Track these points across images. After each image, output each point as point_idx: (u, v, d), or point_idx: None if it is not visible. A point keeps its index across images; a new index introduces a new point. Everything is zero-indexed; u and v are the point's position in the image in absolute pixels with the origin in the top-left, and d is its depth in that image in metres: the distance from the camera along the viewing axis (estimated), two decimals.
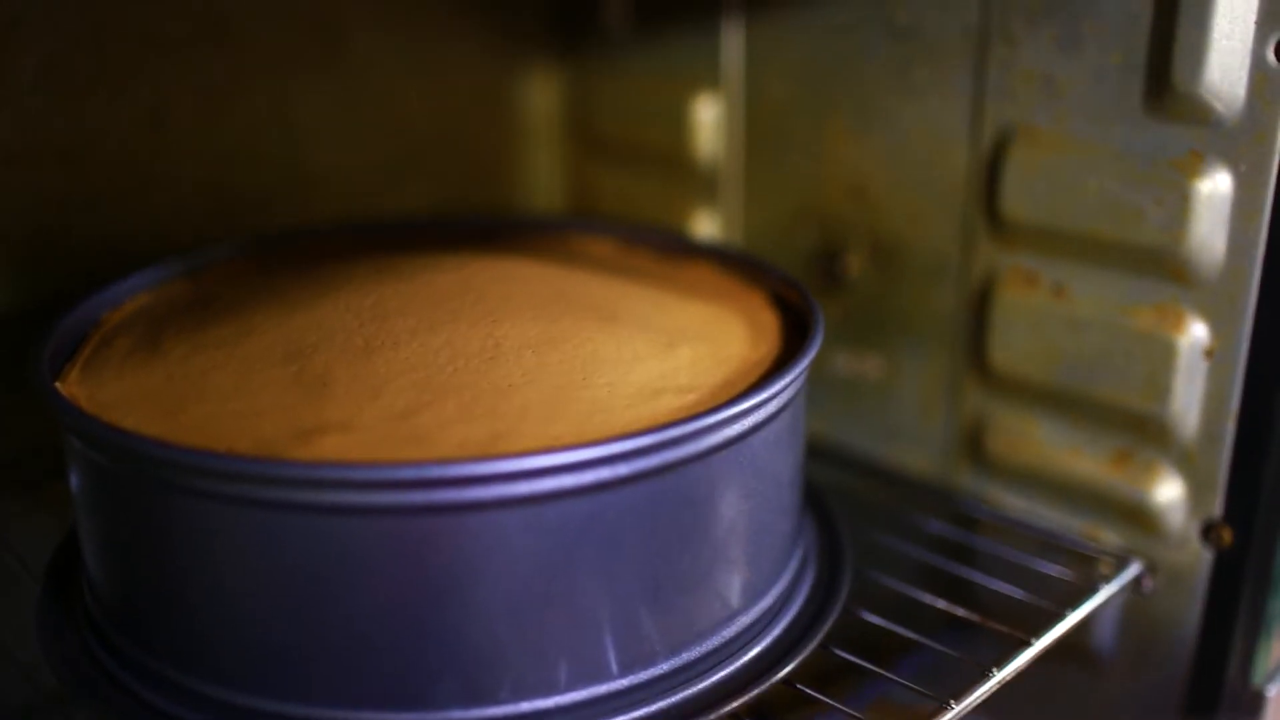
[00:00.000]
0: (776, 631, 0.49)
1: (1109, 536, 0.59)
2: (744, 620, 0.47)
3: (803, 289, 0.53)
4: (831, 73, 0.65)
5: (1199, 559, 0.57)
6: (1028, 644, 0.51)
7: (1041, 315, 0.59)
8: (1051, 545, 0.60)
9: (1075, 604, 0.54)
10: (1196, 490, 0.56)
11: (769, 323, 0.53)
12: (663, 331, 0.50)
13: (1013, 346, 0.61)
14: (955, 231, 0.62)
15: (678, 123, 0.73)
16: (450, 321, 0.49)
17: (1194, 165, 0.52)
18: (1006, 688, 0.49)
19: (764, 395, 0.44)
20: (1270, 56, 0.49)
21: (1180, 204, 0.53)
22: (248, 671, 0.42)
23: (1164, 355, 0.55)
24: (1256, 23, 0.50)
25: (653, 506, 0.42)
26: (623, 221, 0.65)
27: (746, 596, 0.47)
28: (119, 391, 0.46)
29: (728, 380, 0.47)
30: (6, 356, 0.62)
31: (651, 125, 0.75)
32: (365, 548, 0.40)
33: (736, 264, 0.59)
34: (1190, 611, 0.57)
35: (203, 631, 0.43)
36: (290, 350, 0.47)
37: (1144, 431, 0.57)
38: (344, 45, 0.71)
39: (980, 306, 0.62)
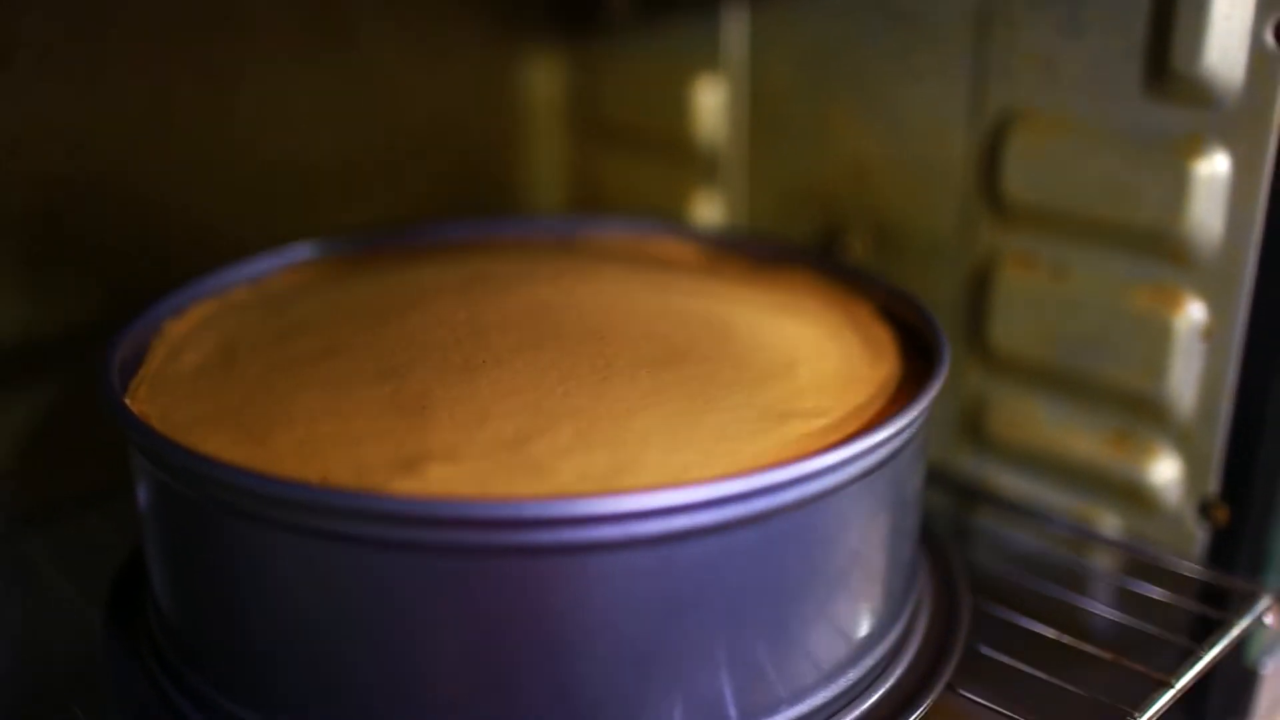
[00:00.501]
0: (900, 671, 0.46)
1: (1108, 517, 0.60)
2: (868, 661, 0.45)
3: (917, 302, 0.52)
4: (833, 56, 0.65)
5: (1195, 537, 0.57)
6: (1168, 685, 0.48)
7: (1041, 296, 0.59)
8: (1149, 566, 0.58)
9: (1211, 642, 0.51)
10: (1193, 469, 0.57)
11: (883, 338, 0.51)
12: (779, 349, 0.48)
13: (1012, 327, 0.61)
14: (955, 213, 0.62)
15: (680, 107, 0.73)
16: (554, 338, 0.46)
17: (1193, 147, 0.53)
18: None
19: (904, 422, 0.42)
20: (1269, 38, 0.50)
21: (1178, 185, 0.53)
22: (335, 717, 0.40)
23: (1162, 335, 0.56)
24: (1255, 5, 0.50)
25: (786, 543, 0.40)
26: (710, 227, 0.64)
27: (874, 633, 0.45)
28: (195, 411, 0.43)
29: (857, 404, 0.45)
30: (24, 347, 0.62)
31: (654, 110, 0.75)
32: (478, 588, 0.37)
33: (836, 271, 0.57)
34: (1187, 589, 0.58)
35: (294, 677, 0.40)
36: (383, 368, 0.44)
37: (1142, 411, 0.58)
38: (347, 31, 0.72)
39: (980, 287, 0.62)
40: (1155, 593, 0.57)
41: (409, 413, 0.41)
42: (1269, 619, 0.54)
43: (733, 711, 0.40)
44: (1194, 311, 0.55)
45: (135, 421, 0.41)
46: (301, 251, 0.59)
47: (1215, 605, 0.57)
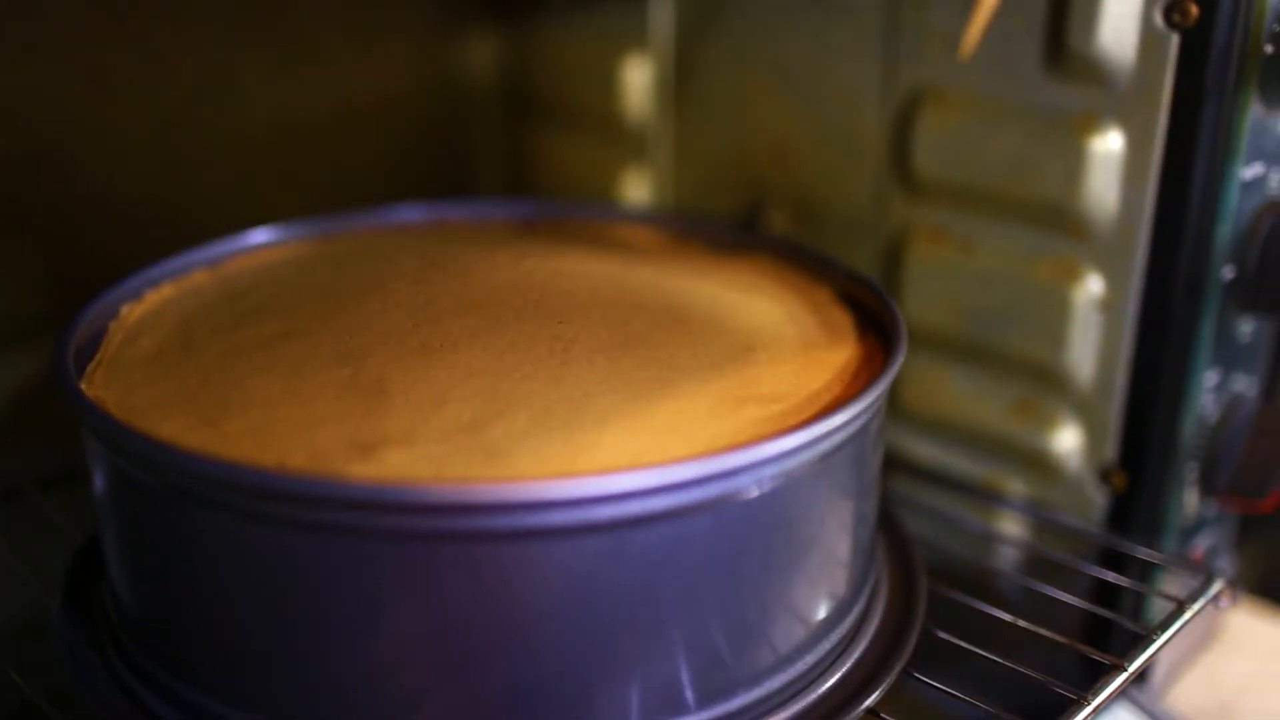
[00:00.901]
0: (856, 653, 0.47)
1: (1015, 483, 0.62)
2: (825, 645, 0.45)
3: (875, 285, 0.52)
4: (754, 36, 0.67)
5: (1095, 502, 0.60)
6: (1121, 669, 0.49)
7: (950, 269, 0.61)
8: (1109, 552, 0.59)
9: (1164, 625, 0.52)
10: (1092, 437, 0.59)
11: (841, 322, 0.52)
12: (736, 333, 0.48)
13: (924, 299, 0.63)
14: (870, 189, 0.64)
15: (609, 86, 0.75)
16: (513, 322, 0.46)
17: (1089, 124, 0.55)
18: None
19: (859, 406, 0.42)
20: (1158, 19, 0.52)
21: (1076, 161, 0.55)
22: (296, 703, 0.39)
23: (1062, 307, 0.57)
24: None
25: (742, 527, 0.40)
26: (670, 211, 0.64)
27: (832, 617, 0.45)
28: (151, 395, 0.43)
29: (814, 388, 0.45)
30: None
31: (585, 88, 0.77)
32: (433, 573, 0.37)
33: (796, 257, 0.58)
34: (1087, 553, 0.60)
35: (246, 659, 0.40)
36: (340, 352, 0.44)
37: (1044, 381, 0.60)
38: (286, 10, 0.73)
39: (894, 261, 0.64)
40: (1059, 557, 0.59)
41: (366, 396, 0.41)
42: (1224, 601, 0.56)
43: (690, 695, 0.41)
44: (1092, 284, 0.57)
45: (90, 406, 0.40)
46: (260, 235, 0.58)
47: (1116, 569, 0.59)
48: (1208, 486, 0.59)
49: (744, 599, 0.41)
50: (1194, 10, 0.51)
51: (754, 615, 0.41)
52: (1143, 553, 0.58)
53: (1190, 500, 0.59)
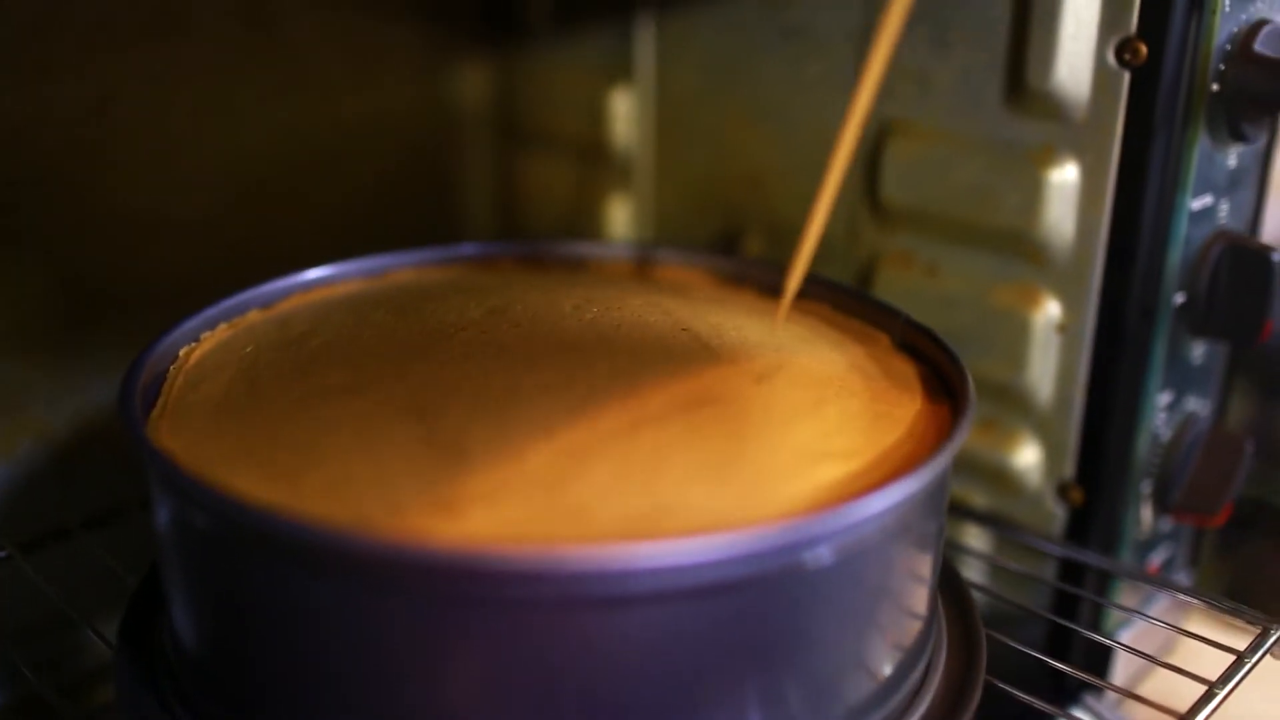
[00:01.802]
0: (924, 707, 0.46)
1: (977, 496, 0.65)
2: (897, 698, 0.45)
3: (938, 338, 0.52)
4: (732, 68, 0.70)
5: (1054, 517, 0.62)
6: None
7: (917, 292, 0.64)
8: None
9: (1224, 681, 0.51)
10: (1051, 454, 0.61)
11: (904, 372, 0.52)
12: (805, 386, 0.48)
13: None
14: (842, 216, 0.67)
15: (595, 114, 0.77)
16: (585, 376, 0.46)
17: (1046, 156, 0.58)
18: None
19: (940, 464, 0.41)
20: (1110, 58, 0.55)
21: (1034, 191, 0.58)
22: None
23: (1021, 330, 0.60)
24: (1099, 26, 0.55)
25: (825, 585, 0.40)
26: (724, 254, 0.65)
27: (902, 670, 0.45)
28: (221, 447, 0.42)
29: (887, 443, 0.45)
30: None
31: (571, 116, 0.80)
32: (512, 636, 0.37)
33: (852, 302, 0.58)
34: (1047, 566, 0.63)
35: (318, 715, 0.40)
36: (413, 405, 0.44)
37: (1006, 401, 0.62)
38: (285, 38, 0.74)
39: (865, 283, 0.67)
40: (1023, 569, 0.61)
41: (442, 452, 0.41)
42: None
43: None
44: (1050, 308, 0.59)
45: (166, 462, 0.40)
46: (312, 274, 0.58)
47: (1073, 581, 0.62)
48: (1162, 502, 0.62)
49: (822, 657, 0.41)
50: (1144, 50, 0.54)
51: (832, 672, 0.41)
52: (1100, 564, 0.60)
53: (1146, 515, 0.62)
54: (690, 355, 0.49)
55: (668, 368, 0.47)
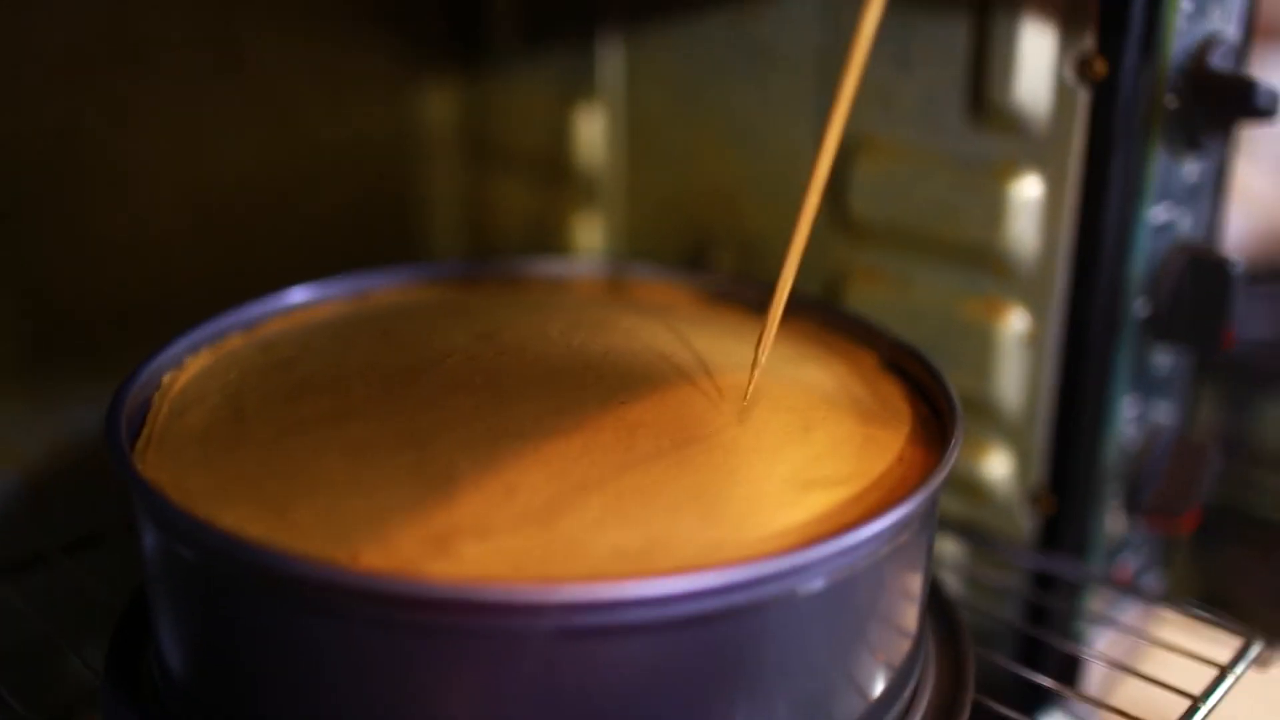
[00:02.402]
0: None
1: (949, 505, 0.65)
2: (891, 716, 0.45)
3: (925, 359, 0.52)
4: (699, 87, 0.70)
5: (1024, 525, 0.63)
6: None
7: (886, 306, 0.64)
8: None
9: (1208, 694, 0.51)
10: (1021, 463, 0.62)
11: (891, 394, 0.52)
12: (793, 411, 0.48)
13: None
14: (812, 232, 0.67)
15: (561, 133, 0.78)
16: (575, 403, 0.46)
17: (1009, 171, 0.58)
18: None
19: (930, 490, 0.42)
20: (1070, 75, 0.56)
21: (998, 206, 0.59)
22: None
23: (989, 342, 0.61)
24: (1057, 43, 0.56)
25: (817, 613, 0.40)
26: (706, 273, 0.65)
27: (891, 690, 0.45)
28: (209, 478, 0.42)
29: (876, 469, 0.45)
30: None
31: (538, 135, 0.80)
32: (505, 669, 0.37)
33: (837, 321, 0.58)
34: (1018, 572, 0.64)
35: None
36: (403, 435, 0.43)
37: (975, 412, 0.63)
38: (250, 62, 0.75)
39: (833, 298, 0.67)
40: (994, 579, 0.62)
41: (434, 484, 0.41)
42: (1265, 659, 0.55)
43: None
44: (1016, 319, 0.60)
45: (155, 496, 0.40)
46: (295, 295, 0.58)
47: (1044, 588, 0.63)
48: (1131, 508, 0.63)
49: (813, 681, 0.41)
50: (1102, 66, 0.55)
51: (823, 695, 0.42)
52: (1071, 572, 0.61)
53: (1115, 521, 0.63)
54: (678, 381, 0.49)
55: (656, 395, 0.47)
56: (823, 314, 0.59)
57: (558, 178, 0.79)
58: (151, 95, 0.71)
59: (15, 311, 0.67)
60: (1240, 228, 0.62)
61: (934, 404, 0.51)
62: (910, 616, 0.45)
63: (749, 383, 0.48)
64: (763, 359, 0.48)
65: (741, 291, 0.61)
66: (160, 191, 0.72)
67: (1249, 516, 0.90)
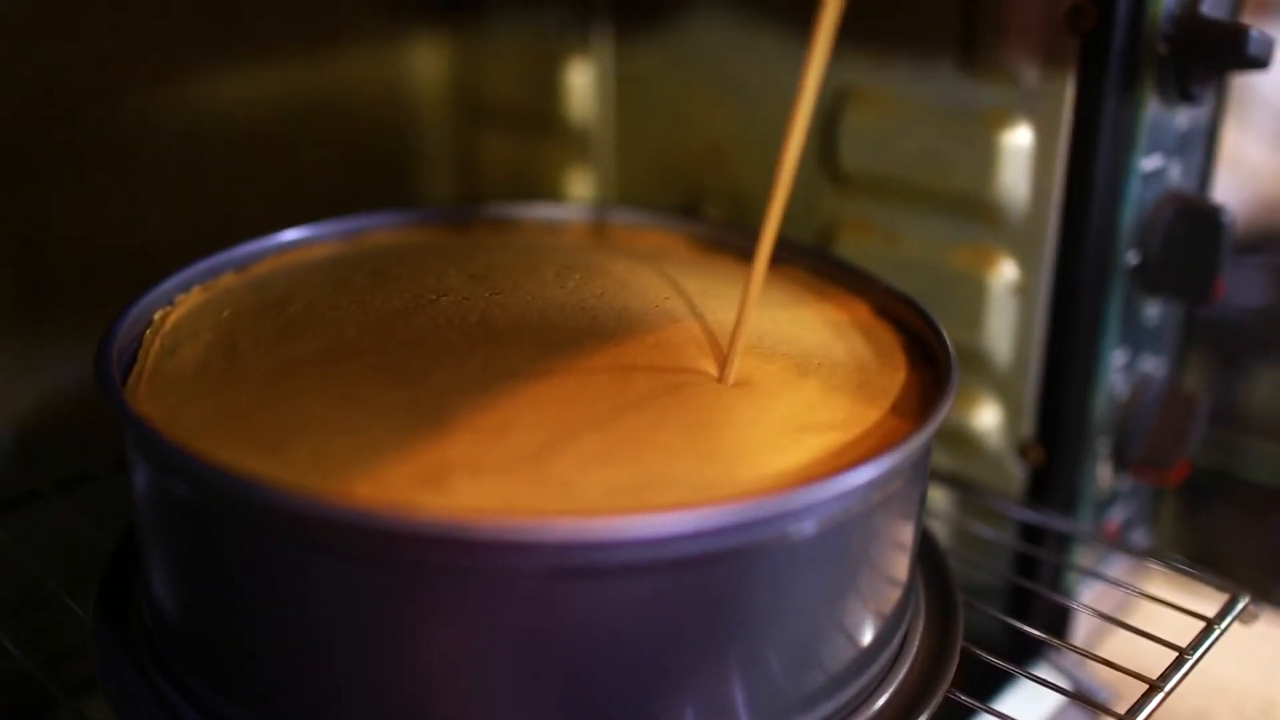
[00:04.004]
0: (902, 674, 0.47)
1: (937, 458, 0.66)
2: (876, 666, 0.45)
3: (921, 309, 0.52)
4: (689, 41, 0.70)
5: (1014, 476, 0.63)
6: (1159, 689, 0.48)
7: (876, 258, 0.64)
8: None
9: (1194, 647, 0.51)
10: (1010, 414, 0.62)
11: (886, 342, 0.52)
12: (788, 356, 0.48)
13: None
14: (802, 184, 0.67)
15: (552, 87, 0.78)
16: (569, 345, 0.46)
17: (999, 121, 0.58)
18: None
19: (924, 436, 0.42)
20: (1060, 22, 0.55)
21: (988, 155, 0.59)
22: None
23: (979, 292, 0.61)
24: None
25: (809, 557, 0.40)
26: (697, 219, 0.65)
27: (881, 638, 0.45)
28: (201, 414, 0.42)
29: (869, 414, 0.45)
30: None
31: (529, 90, 0.80)
32: (497, 606, 0.37)
33: (831, 269, 0.58)
34: (1007, 525, 0.64)
35: (308, 690, 0.40)
36: (397, 374, 0.43)
37: (964, 361, 0.62)
38: (238, 14, 0.74)
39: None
40: (987, 532, 0.62)
41: (426, 422, 0.40)
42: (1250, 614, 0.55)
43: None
44: (1007, 270, 0.60)
45: (147, 430, 0.39)
46: (288, 236, 0.57)
47: (1033, 540, 0.63)
48: (1120, 460, 0.63)
49: (805, 627, 0.41)
50: (1093, 14, 0.54)
51: (813, 642, 0.42)
52: (1060, 525, 0.61)
53: (1104, 474, 0.63)
54: (673, 325, 0.48)
55: (650, 339, 0.47)
56: (817, 262, 0.59)
57: (548, 132, 0.79)
58: (140, 48, 0.71)
59: (4, 259, 0.67)
60: (1233, 197, 0.62)
61: (928, 352, 0.51)
62: (901, 564, 0.45)
63: (755, 277, 0.46)
64: (763, 264, 0.46)
65: (736, 238, 0.61)
66: (148, 145, 0.72)
67: (1237, 480, 0.91)
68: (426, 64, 0.85)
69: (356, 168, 0.83)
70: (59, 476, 0.57)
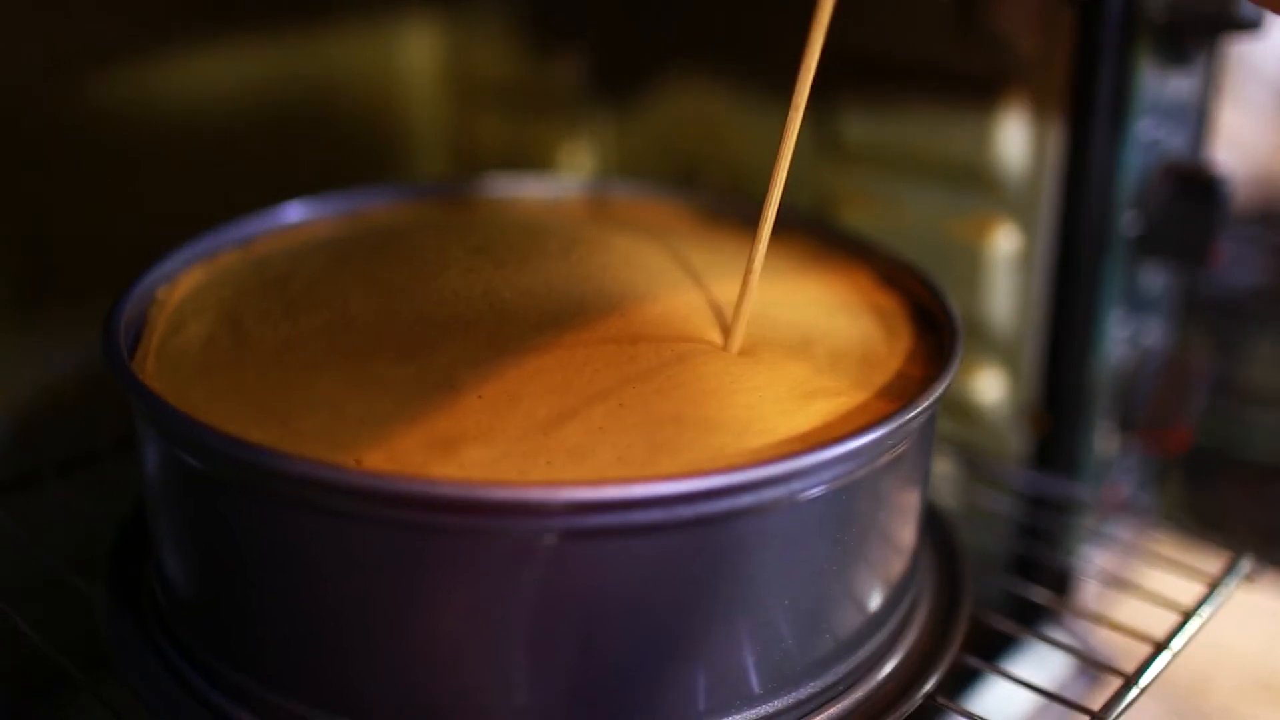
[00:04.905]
0: (911, 639, 0.47)
1: (940, 425, 0.66)
2: (885, 631, 0.46)
3: (922, 273, 0.52)
4: (683, 17, 0.71)
5: (1016, 443, 0.64)
6: (1165, 648, 0.49)
7: (875, 227, 0.64)
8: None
9: (1199, 606, 0.51)
10: (1012, 382, 0.63)
11: (891, 310, 0.52)
12: (794, 325, 0.48)
13: None
14: (799, 154, 0.68)
15: (547, 65, 0.78)
16: (576, 315, 0.46)
17: (996, 87, 0.59)
18: None
19: (930, 399, 0.42)
20: None
21: (986, 123, 0.59)
22: (368, 698, 0.39)
23: (980, 260, 0.62)
24: None
25: (819, 519, 0.40)
26: (698, 190, 0.64)
27: (889, 602, 0.46)
28: (210, 389, 0.42)
29: (876, 379, 0.45)
30: None
31: (523, 68, 0.80)
32: (514, 571, 0.37)
33: (832, 237, 0.58)
34: (1010, 491, 0.64)
35: (322, 659, 0.40)
36: (404, 346, 0.44)
37: (967, 331, 0.62)
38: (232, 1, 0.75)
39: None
40: (994, 499, 0.63)
41: (436, 393, 0.40)
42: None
43: (756, 686, 0.41)
44: (1007, 237, 0.61)
45: (159, 403, 0.39)
46: (290, 212, 0.57)
47: (1037, 507, 0.63)
48: (1122, 426, 0.63)
49: (814, 590, 0.41)
50: None
51: (823, 605, 0.42)
52: (1063, 491, 0.62)
53: (1106, 440, 0.64)
54: (677, 295, 0.49)
55: (656, 309, 0.47)
56: (820, 232, 0.59)
57: (542, 110, 0.79)
58: (135, 31, 0.70)
59: (2, 241, 0.67)
60: (1231, 174, 0.62)
61: (932, 319, 0.51)
62: (908, 528, 0.46)
63: (739, 308, 0.46)
64: (765, 235, 0.46)
65: (738, 209, 0.61)
66: (143, 130, 0.72)
67: (1237, 453, 0.91)
68: (419, 44, 0.85)
69: (350, 150, 0.83)
70: (60, 458, 0.57)
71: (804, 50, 0.43)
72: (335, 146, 0.82)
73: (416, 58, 0.85)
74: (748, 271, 0.45)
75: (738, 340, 0.46)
